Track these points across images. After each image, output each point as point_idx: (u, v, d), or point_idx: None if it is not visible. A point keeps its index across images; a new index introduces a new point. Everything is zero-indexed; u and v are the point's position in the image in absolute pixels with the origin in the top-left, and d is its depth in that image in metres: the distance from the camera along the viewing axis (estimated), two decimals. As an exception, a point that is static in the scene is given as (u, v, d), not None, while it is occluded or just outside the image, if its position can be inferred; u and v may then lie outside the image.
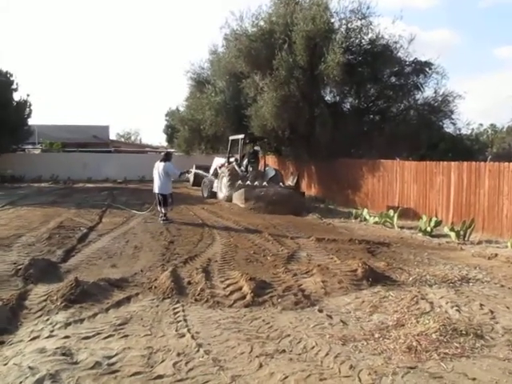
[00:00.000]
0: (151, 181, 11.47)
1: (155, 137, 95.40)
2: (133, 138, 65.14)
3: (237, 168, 15.98)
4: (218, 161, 18.25)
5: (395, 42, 16.17)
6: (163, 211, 10.78)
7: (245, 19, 16.75)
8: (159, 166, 10.74)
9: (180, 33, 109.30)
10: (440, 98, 16.53)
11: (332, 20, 15.61)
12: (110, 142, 38.51)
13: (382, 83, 16.72)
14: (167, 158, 10.92)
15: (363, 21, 15.81)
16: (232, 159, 16.86)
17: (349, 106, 17.82)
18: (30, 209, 12.83)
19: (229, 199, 14.85)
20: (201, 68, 21.85)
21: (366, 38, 16.24)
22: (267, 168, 16.91)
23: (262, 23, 16.79)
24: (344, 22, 15.82)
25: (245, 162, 16.28)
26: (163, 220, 10.66)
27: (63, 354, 3.62)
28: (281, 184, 15.39)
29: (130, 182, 24.70)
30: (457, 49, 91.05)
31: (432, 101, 16.69)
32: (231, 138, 17.22)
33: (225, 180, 15.67)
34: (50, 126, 34.04)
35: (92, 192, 19.23)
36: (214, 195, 16.75)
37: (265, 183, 14.93)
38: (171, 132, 33.33)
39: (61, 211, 12.32)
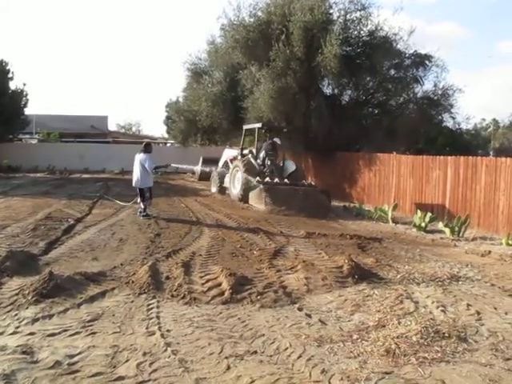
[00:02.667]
0: None
1: (157, 128, 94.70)
2: (134, 129, 64.71)
3: (253, 161, 13.91)
4: (228, 153, 16.64)
5: (395, 34, 15.82)
6: (142, 206, 10.10)
7: (242, 9, 16.47)
8: (139, 158, 10.09)
9: (182, 22, 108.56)
10: (440, 92, 16.22)
11: (330, 11, 15.30)
12: (108, 133, 38.29)
13: (380, 76, 16.36)
14: (146, 149, 10.16)
15: (362, 12, 15.49)
16: (246, 151, 15.03)
17: (347, 99, 17.49)
18: (21, 199, 12.66)
19: (243, 198, 13.01)
20: (198, 59, 21.47)
21: (365, 29, 15.86)
22: (286, 161, 14.61)
23: (259, 13, 16.46)
24: (342, 12, 15.49)
25: (261, 154, 14.18)
26: (143, 216, 9.92)
27: (24, 353, 3.45)
28: (304, 182, 13.43)
29: (127, 173, 24.40)
30: (463, 42, 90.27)
31: (431, 94, 16.39)
32: (245, 127, 15.46)
33: (239, 175, 13.65)
34: (48, 116, 33.89)
35: (87, 183, 19.08)
36: (223, 191, 15.29)
37: (286, 180, 13.08)
38: (171, 123, 33.04)
39: (51, 202, 12.14)
